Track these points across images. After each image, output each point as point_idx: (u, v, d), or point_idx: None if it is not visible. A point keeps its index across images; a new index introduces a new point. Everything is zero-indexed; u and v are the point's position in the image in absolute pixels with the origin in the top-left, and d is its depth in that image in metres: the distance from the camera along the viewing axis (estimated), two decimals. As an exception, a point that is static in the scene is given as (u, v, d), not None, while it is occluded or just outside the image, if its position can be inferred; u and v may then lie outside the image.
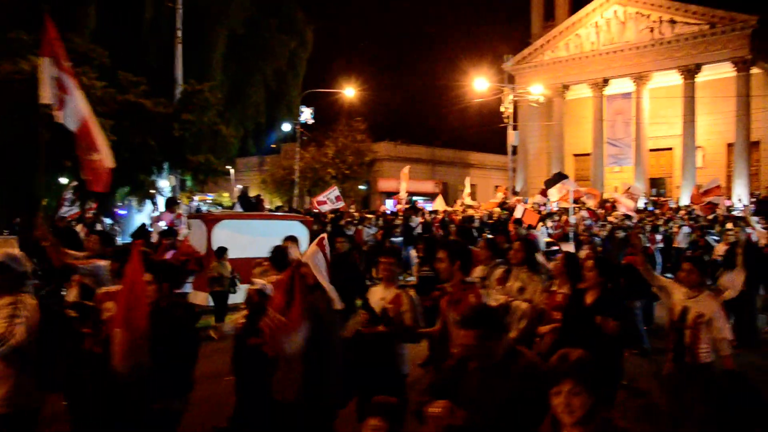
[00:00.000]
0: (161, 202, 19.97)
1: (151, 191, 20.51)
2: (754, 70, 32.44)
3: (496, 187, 39.68)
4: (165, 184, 20.48)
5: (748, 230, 14.01)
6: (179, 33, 20.21)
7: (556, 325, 5.48)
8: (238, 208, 20.15)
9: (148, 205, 20.15)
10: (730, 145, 33.95)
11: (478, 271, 6.48)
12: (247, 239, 13.44)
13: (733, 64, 31.79)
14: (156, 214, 18.24)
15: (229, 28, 29.43)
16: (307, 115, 36.18)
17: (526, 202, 28.96)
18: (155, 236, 13.42)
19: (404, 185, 28.02)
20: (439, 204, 29.70)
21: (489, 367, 3.18)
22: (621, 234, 15.08)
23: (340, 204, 23.61)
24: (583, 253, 11.04)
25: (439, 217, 23.76)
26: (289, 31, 33.22)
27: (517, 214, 19.04)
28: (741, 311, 9.99)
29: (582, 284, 5.44)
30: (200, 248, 11.91)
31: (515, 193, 34.23)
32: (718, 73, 32.90)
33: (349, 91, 35.53)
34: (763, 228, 15.46)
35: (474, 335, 3.17)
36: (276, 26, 31.94)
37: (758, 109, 32.56)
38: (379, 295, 4.98)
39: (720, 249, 12.34)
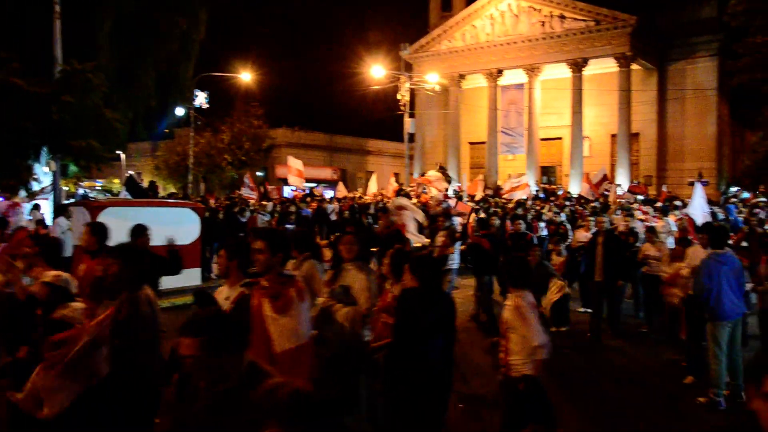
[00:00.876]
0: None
1: (34, 177, 19.19)
2: (635, 66, 34.33)
3: (395, 174, 40.05)
4: (46, 170, 19.23)
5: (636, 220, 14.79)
6: (57, 8, 18.88)
7: (387, 341, 4.81)
8: (125, 195, 19.31)
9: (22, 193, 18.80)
10: (613, 136, 35.78)
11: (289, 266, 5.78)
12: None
13: (615, 60, 33.44)
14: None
15: (117, 6, 27.89)
16: (201, 99, 35.04)
17: (424, 191, 29.46)
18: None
19: (296, 175, 27.68)
20: (342, 190, 29.74)
21: (218, 393, 2.52)
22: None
23: (254, 192, 23.55)
24: (440, 239, 11.13)
25: (348, 204, 23.82)
26: (182, 11, 31.87)
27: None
28: (610, 300, 10.23)
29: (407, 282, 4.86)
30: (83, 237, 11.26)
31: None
32: (603, 67, 34.52)
33: (246, 76, 34.65)
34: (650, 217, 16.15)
35: (197, 345, 2.48)
36: (168, 5, 30.55)
37: (638, 103, 34.52)
38: (224, 295, 4.55)
39: (580, 236, 12.51)
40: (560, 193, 30.76)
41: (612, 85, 34.22)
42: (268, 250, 4.13)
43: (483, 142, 38.71)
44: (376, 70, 30.78)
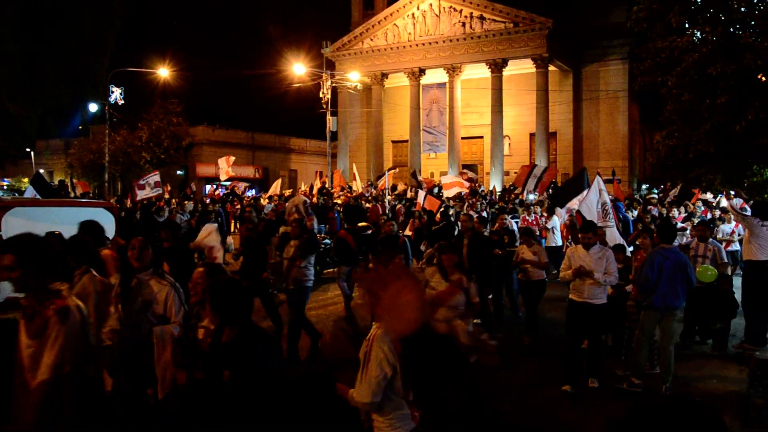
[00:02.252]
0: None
1: None
2: (552, 68, 35.41)
3: (318, 173, 39.89)
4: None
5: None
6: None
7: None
8: (34, 194, 18.40)
9: None
10: (532, 135, 36.79)
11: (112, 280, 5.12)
12: (45, 227, 12.26)
13: (533, 61, 34.36)
14: None
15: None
16: (116, 95, 33.79)
17: (350, 190, 29.50)
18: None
19: (224, 170, 27.16)
20: (274, 189, 29.34)
21: None
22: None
23: (158, 190, 22.39)
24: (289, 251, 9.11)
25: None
26: (96, 4, 30.69)
27: (421, 200, 18.59)
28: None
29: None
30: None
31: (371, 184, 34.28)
32: (522, 68, 35.41)
33: (164, 72, 33.60)
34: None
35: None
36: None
37: (555, 103, 35.69)
38: None
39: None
40: (481, 189, 31.29)
41: (530, 85, 35.15)
42: (20, 266, 3.44)
43: (406, 141, 39.04)
44: (297, 68, 30.50)
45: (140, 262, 4.70)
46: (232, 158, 26.42)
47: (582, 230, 7.52)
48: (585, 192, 10.23)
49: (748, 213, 10.52)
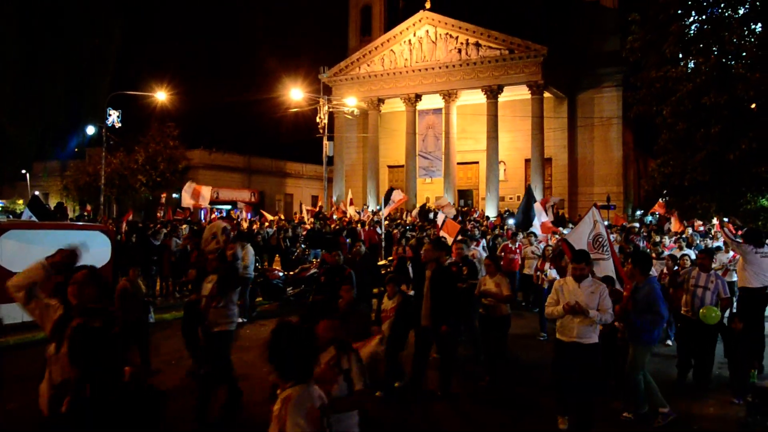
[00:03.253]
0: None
1: None
2: (547, 95, 35.76)
3: (314, 197, 39.97)
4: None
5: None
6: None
7: None
8: (30, 216, 18.40)
9: None
10: (527, 161, 36.99)
11: None
12: (41, 250, 12.27)
13: (528, 88, 34.69)
14: None
15: (18, 14, 26.69)
16: (114, 118, 33.95)
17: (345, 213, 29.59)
18: None
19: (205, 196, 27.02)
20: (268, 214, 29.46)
21: None
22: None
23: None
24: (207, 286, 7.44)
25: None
26: (96, 26, 30.95)
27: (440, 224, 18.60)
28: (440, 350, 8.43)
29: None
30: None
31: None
32: (518, 94, 35.75)
33: (161, 95, 33.82)
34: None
35: None
36: (78, 18, 29.49)
37: (550, 129, 35.99)
38: None
39: None
40: (476, 215, 31.43)
41: (526, 111, 35.43)
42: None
43: (402, 166, 39.20)
44: (294, 93, 30.71)
45: (79, 299, 4.14)
46: (209, 188, 26.41)
47: (574, 260, 6.76)
48: (581, 225, 9.26)
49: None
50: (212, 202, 35.60)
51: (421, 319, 7.79)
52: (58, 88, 29.76)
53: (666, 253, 12.43)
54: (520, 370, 9.33)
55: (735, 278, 11.58)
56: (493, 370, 8.54)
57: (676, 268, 10.76)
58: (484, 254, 12.59)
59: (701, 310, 8.07)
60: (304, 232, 21.98)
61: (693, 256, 12.55)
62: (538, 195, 34.27)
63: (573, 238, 8.59)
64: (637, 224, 21.70)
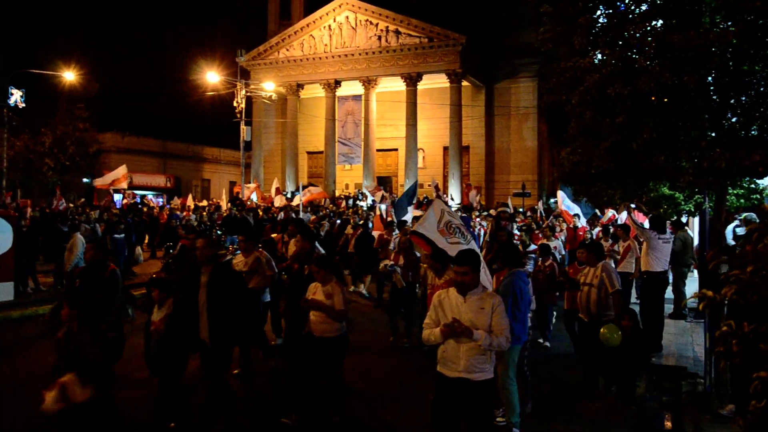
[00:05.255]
0: None
1: None
2: (465, 83, 36.34)
3: (232, 183, 39.25)
4: None
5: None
6: None
7: None
8: None
9: None
10: (445, 149, 37.60)
11: None
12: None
13: (447, 76, 35.15)
14: None
15: None
16: (17, 97, 32.05)
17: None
18: None
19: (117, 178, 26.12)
20: (189, 200, 28.79)
21: None
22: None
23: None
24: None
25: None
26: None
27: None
28: None
29: None
30: None
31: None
32: (436, 82, 36.16)
33: (69, 75, 32.24)
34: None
35: None
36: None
37: (468, 118, 36.65)
38: None
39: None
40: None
41: (444, 99, 35.90)
42: None
43: (321, 152, 39.02)
44: (210, 76, 29.94)
45: None
46: (124, 168, 25.53)
47: (456, 262, 4.89)
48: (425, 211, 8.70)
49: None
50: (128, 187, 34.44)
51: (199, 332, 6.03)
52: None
53: (532, 246, 11.80)
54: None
55: (631, 269, 11.88)
56: (307, 409, 6.47)
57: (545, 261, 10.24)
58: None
59: (602, 330, 7.10)
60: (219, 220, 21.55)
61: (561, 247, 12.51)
62: (456, 182, 35.02)
63: (425, 228, 7.63)
64: (509, 209, 21.19)
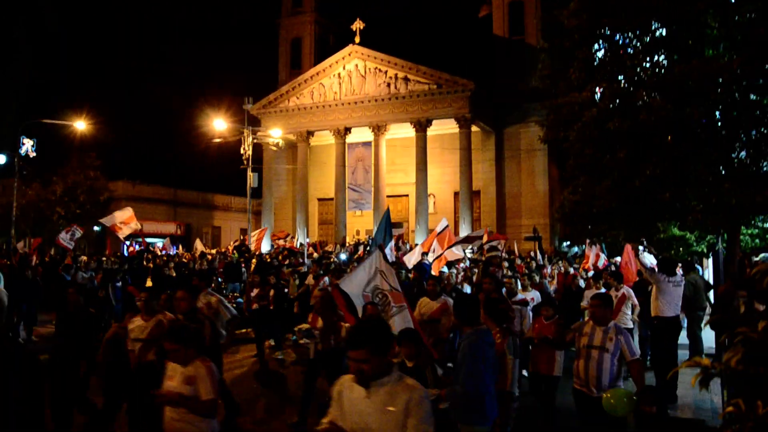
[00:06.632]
0: None
1: None
2: (475, 128, 36.17)
3: (243, 230, 39.04)
4: None
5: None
6: None
7: None
8: None
9: None
10: (456, 194, 37.21)
11: None
12: None
13: (456, 121, 35.01)
14: None
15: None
16: (28, 147, 32.31)
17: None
18: None
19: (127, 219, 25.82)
20: (199, 245, 28.59)
21: None
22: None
23: (72, 245, 21.32)
24: None
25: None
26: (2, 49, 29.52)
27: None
28: None
29: None
30: None
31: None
32: (446, 128, 36.01)
33: (80, 124, 32.48)
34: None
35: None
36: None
37: (478, 162, 36.35)
38: None
39: None
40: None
41: (454, 145, 35.69)
42: None
43: (332, 199, 38.79)
44: (218, 123, 30.01)
45: None
46: (130, 210, 25.12)
47: (350, 343, 3.31)
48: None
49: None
50: (135, 235, 34.26)
51: None
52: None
53: (519, 296, 10.09)
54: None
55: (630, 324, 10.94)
56: None
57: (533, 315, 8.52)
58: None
59: (605, 396, 5.54)
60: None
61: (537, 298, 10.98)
62: (467, 227, 34.48)
63: (348, 286, 6.70)
64: (499, 252, 18.97)
